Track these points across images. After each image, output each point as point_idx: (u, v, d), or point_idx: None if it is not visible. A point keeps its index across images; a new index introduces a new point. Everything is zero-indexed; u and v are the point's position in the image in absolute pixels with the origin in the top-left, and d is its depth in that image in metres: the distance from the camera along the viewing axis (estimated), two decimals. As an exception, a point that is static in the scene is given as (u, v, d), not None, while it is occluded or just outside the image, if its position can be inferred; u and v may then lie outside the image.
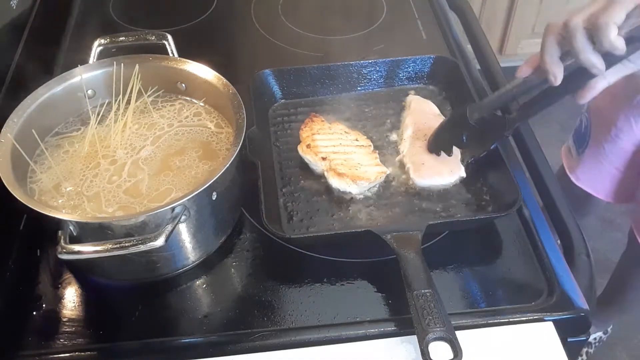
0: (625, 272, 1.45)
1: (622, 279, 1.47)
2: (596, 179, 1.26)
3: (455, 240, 0.83)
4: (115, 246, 0.66)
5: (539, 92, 0.77)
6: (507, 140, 0.93)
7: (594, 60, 0.67)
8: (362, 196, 0.86)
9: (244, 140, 0.77)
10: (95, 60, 0.89)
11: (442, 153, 0.89)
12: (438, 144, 0.89)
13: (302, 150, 0.90)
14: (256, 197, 0.81)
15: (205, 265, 0.81)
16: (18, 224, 0.85)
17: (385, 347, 0.72)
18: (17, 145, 0.76)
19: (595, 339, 1.75)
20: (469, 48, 1.14)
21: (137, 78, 0.87)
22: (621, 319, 1.65)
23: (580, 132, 1.27)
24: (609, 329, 1.76)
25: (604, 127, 1.17)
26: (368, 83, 1.03)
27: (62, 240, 0.67)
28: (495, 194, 0.86)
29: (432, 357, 0.64)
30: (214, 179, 0.71)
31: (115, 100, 0.88)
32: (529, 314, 0.74)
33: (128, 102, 0.88)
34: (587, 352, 1.75)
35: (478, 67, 1.10)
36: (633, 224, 1.26)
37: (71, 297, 0.78)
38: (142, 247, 0.66)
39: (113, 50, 0.91)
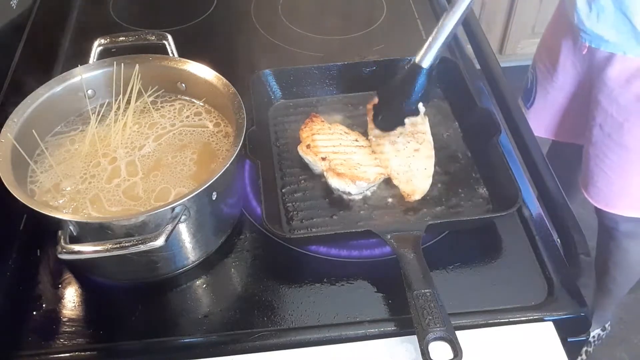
0: (603, 250, 1.48)
1: (603, 259, 1.50)
2: (544, 121, 1.42)
3: (455, 240, 0.83)
4: (115, 246, 0.66)
5: None
6: (506, 140, 0.93)
7: None
8: (361, 196, 0.86)
9: (244, 140, 0.77)
10: (95, 60, 0.89)
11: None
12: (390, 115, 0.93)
13: (302, 150, 0.90)
14: (256, 197, 0.81)
15: (205, 265, 0.81)
16: (18, 224, 0.85)
17: (385, 347, 0.72)
18: (17, 145, 0.76)
19: (594, 336, 1.75)
20: (469, 48, 1.14)
21: (137, 78, 0.87)
22: (614, 304, 1.65)
23: (527, 88, 1.44)
24: (607, 325, 1.76)
25: (548, 75, 1.35)
26: (368, 83, 1.03)
27: (62, 240, 0.67)
28: (495, 194, 0.86)
29: (432, 357, 0.64)
30: (214, 179, 0.71)
31: (116, 100, 0.88)
32: (529, 314, 0.74)
33: (128, 102, 0.88)
34: (586, 352, 1.75)
35: (478, 67, 1.10)
36: (581, 182, 1.32)
37: (71, 297, 0.78)
38: (142, 247, 0.66)
39: (113, 50, 0.91)
